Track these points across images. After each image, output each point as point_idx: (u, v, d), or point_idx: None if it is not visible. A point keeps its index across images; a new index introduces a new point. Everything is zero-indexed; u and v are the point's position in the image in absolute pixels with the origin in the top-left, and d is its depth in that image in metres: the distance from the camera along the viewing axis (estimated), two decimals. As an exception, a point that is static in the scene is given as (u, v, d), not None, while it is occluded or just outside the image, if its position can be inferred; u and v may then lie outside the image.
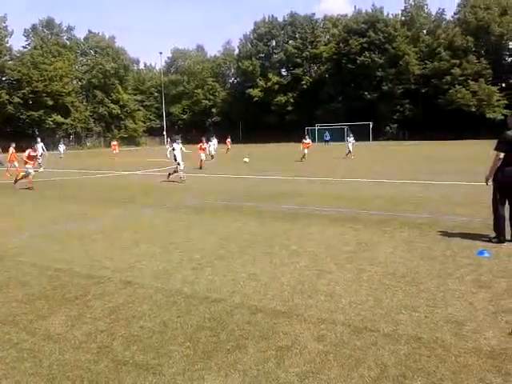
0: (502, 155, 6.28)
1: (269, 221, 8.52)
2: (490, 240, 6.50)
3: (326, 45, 76.85)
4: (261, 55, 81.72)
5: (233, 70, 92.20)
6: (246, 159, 17.95)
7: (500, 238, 6.43)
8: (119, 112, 77.46)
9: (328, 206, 10.11)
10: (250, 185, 14.91)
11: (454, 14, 70.13)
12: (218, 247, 6.62)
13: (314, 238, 7.07)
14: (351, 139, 28.92)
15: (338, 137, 60.08)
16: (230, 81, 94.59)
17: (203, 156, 22.19)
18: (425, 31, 71.88)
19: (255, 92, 77.02)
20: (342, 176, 16.77)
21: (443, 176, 15.78)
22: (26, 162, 15.66)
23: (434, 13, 72.92)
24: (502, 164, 6.30)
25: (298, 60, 77.08)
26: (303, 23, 78.80)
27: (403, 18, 71.26)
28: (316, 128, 64.79)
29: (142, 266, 5.80)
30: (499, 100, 58.87)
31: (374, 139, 60.86)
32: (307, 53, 77.20)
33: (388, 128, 67.03)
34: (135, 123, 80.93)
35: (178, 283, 5.08)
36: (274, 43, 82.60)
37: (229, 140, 41.76)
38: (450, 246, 6.36)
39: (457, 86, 59.54)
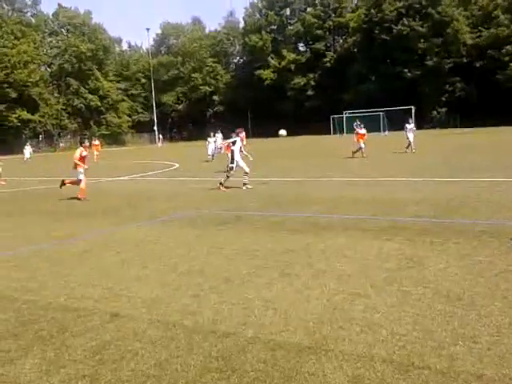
0: None
1: (287, 234, 8.54)
2: None
3: (353, 12, 77.11)
4: (272, 27, 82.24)
5: (238, 48, 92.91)
6: (283, 132, 17.67)
7: None
8: (99, 104, 78.38)
9: (361, 212, 10.12)
10: (266, 189, 14.97)
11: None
12: (225, 268, 6.64)
13: (344, 253, 7.07)
14: (411, 126, 27.70)
15: (373, 126, 59.84)
16: (235, 61, 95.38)
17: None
18: (478, -11, 71.58)
19: (266, 73, 77.48)
20: (382, 175, 16.71)
21: (508, 171, 15.62)
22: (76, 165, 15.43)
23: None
24: None
25: (319, 32, 77.47)
26: (324, -15, 79.06)
27: (450, -25, 71.06)
28: (344, 116, 64.72)
29: (132, 293, 5.84)
30: None
31: (418, 127, 60.55)
32: (330, 22, 77.60)
33: (435, 113, 66.83)
34: (119, 117, 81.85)
35: (177, 314, 5.10)
36: (288, 12, 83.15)
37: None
38: (517, 259, 6.30)
39: (520, 57, 59.12)
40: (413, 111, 60.35)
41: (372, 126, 59.52)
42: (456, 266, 6.19)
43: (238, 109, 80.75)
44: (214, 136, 31.95)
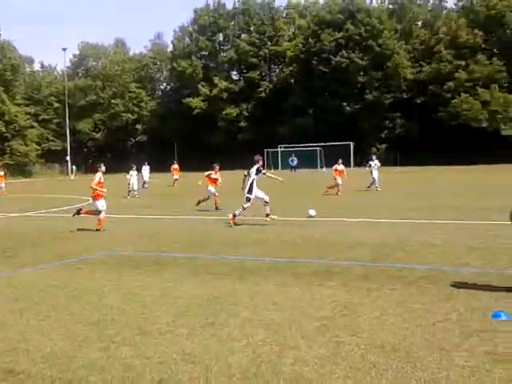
0: None
1: (213, 278, 8.52)
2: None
3: (290, 41, 79.44)
4: (203, 53, 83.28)
5: (165, 73, 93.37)
6: (313, 212, 16.75)
7: None
8: (3, 130, 75.96)
9: (296, 255, 10.28)
10: (195, 227, 14.92)
11: (458, 0, 74.08)
12: (141, 317, 6.52)
13: (273, 300, 7.11)
14: (375, 163, 28.68)
15: (310, 162, 61.22)
16: (162, 87, 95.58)
17: (214, 190, 21.05)
18: (419, 23, 75.63)
19: (196, 102, 77.95)
20: (323, 215, 17.05)
21: (446, 213, 16.33)
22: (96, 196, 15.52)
23: (431, 0, 77.06)
24: None
25: (254, 60, 79.12)
26: (260, 12, 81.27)
27: (391, 7, 74.84)
28: (279, 150, 65.89)
29: (30, 346, 5.62)
30: (519, 111, 61.67)
31: (357, 164, 62.58)
32: (266, 51, 79.49)
33: (374, 149, 68.73)
34: (26, 145, 79.48)
35: (82, 370, 4.93)
36: (221, 37, 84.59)
37: (176, 166, 40.03)
38: (455, 307, 6.55)
39: (462, 94, 62.36)
40: (351, 147, 62.24)
41: (309, 161, 61.15)
42: (392, 314, 6.35)
43: (163, 139, 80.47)
44: (137, 170, 31.56)
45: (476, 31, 64.44)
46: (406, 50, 70.00)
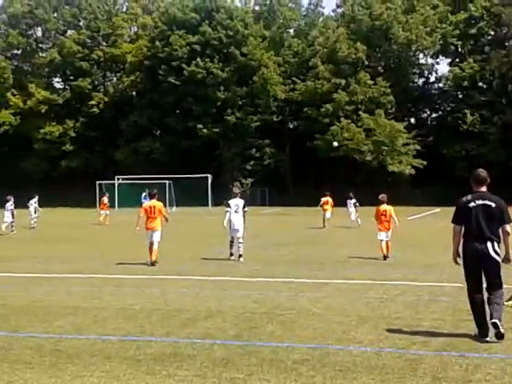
0: (458, 229, 8.98)
1: (8, 368, 7.70)
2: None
3: (131, 42, 79.25)
4: (15, 52, 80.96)
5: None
6: None
7: (480, 330, 8.67)
8: None
9: (132, 330, 9.67)
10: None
11: (337, 6, 78.03)
12: None
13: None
14: (353, 202, 34.43)
15: (159, 196, 60.02)
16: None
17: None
18: (292, 31, 78.62)
19: (4, 116, 75.36)
20: (165, 271, 16.53)
21: (328, 269, 16.49)
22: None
23: (305, 4, 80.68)
24: (465, 238, 8.87)
25: (84, 64, 77.97)
26: (92, 3, 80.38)
27: (257, 8, 77.20)
28: (116, 182, 64.41)
29: None
30: (407, 144, 65.02)
31: (216, 203, 62.75)
32: (100, 53, 78.68)
33: (238, 184, 69.58)
34: None
35: None
36: (39, 33, 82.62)
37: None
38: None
39: (343, 119, 64.68)
40: (209, 181, 62.23)
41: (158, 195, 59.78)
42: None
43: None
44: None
45: (358, 44, 67.45)
46: (276, 63, 71.84)
